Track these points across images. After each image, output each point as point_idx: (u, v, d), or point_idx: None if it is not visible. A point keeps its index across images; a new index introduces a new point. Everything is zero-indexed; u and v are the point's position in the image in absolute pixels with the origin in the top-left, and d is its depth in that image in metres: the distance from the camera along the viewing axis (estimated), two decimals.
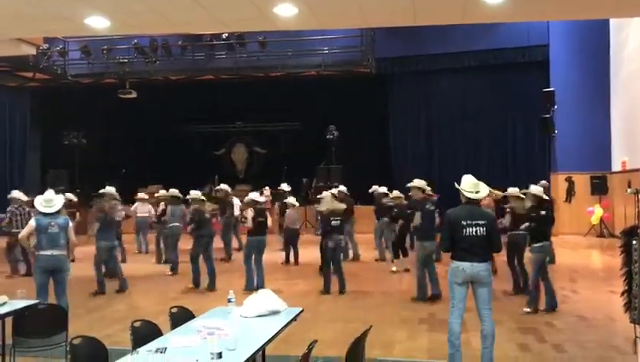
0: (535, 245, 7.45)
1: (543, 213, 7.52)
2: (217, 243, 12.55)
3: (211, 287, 9.28)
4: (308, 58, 17.94)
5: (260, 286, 8.36)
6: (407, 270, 10.53)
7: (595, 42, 16.35)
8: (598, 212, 15.72)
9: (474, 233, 5.14)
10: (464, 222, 5.16)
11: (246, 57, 18.16)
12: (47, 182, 19.27)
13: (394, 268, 10.73)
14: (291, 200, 12.17)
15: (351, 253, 12.09)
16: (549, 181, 16.83)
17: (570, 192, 16.82)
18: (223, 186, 13.27)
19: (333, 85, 18.52)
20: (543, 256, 7.50)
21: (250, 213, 9.01)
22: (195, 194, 9.88)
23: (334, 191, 11.65)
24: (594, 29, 15.97)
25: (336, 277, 8.94)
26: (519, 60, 17.79)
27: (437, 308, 7.74)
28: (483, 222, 5.18)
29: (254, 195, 9.40)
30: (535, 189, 7.71)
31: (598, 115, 16.45)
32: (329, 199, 9.27)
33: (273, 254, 12.27)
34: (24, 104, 21.35)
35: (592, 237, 15.70)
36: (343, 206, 9.45)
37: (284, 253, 12.13)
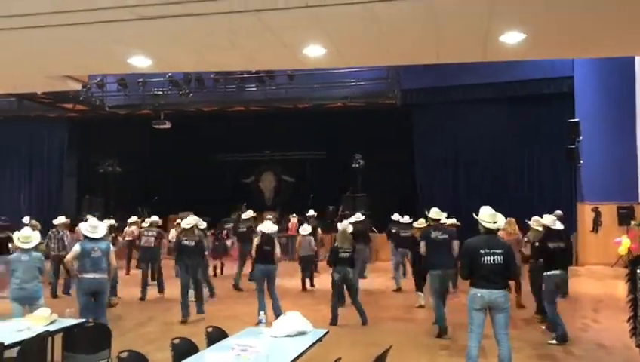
0: (545, 274, 7.61)
1: (551, 245, 7.63)
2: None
3: (199, 311, 9.35)
4: (334, 90, 18.44)
5: (277, 316, 7.96)
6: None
7: (620, 72, 16.45)
8: (625, 242, 15.65)
9: (492, 261, 5.44)
10: (482, 251, 5.47)
11: (275, 89, 18.75)
12: (83, 207, 20.05)
13: (421, 303, 10.19)
14: (304, 228, 12.39)
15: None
16: (575, 211, 16.96)
17: (596, 223, 16.79)
18: (249, 214, 13.53)
19: (359, 116, 18.96)
20: (552, 285, 7.54)
21: (255, 241, 9.07)
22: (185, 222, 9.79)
23: (352, 219, 11.92)
24: (619, 59, 16.09)
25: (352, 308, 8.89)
26: (544, 91, 17.97)
27: (459, 334, 7.97)
28: (500, 251, 5.48)
29: (265, 225, 9.21)
30: (546, 219, 7.91)
31: (624, 145, 16.47)
32: (341, 232, 9.24)
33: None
34: (63, 132, 22.28)
35: (620, 267, 15.64)
36: (349, 241, 9.17)
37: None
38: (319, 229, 14.03)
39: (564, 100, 17.58)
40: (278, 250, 9.00)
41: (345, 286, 8.98)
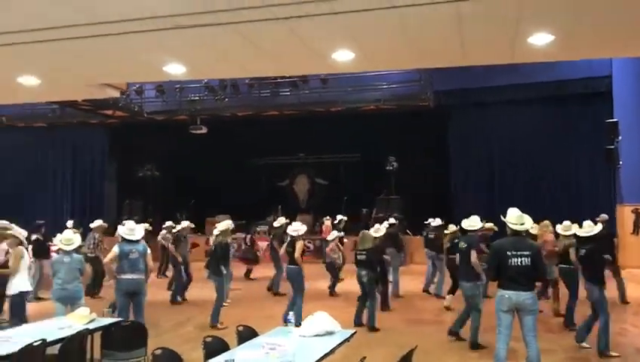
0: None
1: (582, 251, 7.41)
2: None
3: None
4: (367, 93, 18.52)
5: (297, 319, 7.54)
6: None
7: None
8: None
9: (519, 263, 5.46)
10: (509, 253, 5.49)
11: (308, 93, 18.92)
12: (123, 211, 20.62)
13: (446, 304, 10.31)
14: (330, 235, 12.47)
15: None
16: (614, 213, 16.59)
17: (637, 225, 16.41)
18: (281, 221, 13.67)
19: (392, 118, 18.94)
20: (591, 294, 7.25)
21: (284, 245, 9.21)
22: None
23: (385, 223, 11.91)
24: None
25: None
26: (581, 91, 17.66)
27: (489, 336, 7.91)
28: (528, 253, 5.49)
29: (291, 227, 9.25)
30: (585, 225, 7.61)
31: None
32: (361, 233, 9.24)
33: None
34: (103, 138, 22.96)
35: None
36: (370, 242, 9.13)
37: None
38: (344, 239, 14.01)
39: (602, 100, 17.25)
40: (297, 252, 8.80)
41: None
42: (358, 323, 8.69)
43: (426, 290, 12.09)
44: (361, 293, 8.92)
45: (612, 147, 16.26)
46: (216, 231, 9.65)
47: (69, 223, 13.98)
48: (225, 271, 9.58)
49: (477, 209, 16.45)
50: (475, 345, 7.38)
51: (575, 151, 18.32)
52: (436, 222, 12.41)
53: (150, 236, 13.83)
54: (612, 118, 16.43)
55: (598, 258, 7.26)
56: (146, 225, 12.55)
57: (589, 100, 17.74)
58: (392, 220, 12.90)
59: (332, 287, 12.33)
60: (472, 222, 8.36)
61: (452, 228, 10.65)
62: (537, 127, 18.49)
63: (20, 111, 20.22)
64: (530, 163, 18.76)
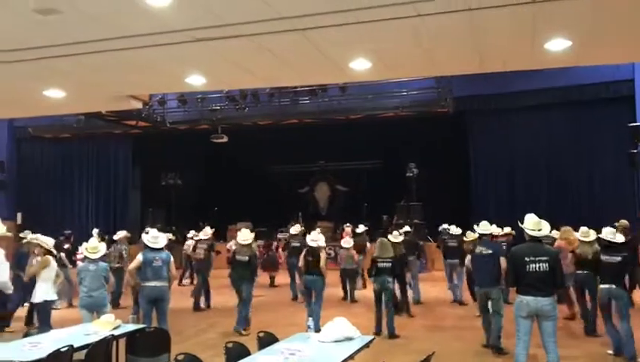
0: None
1: (604, 257, 7.32)
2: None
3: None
4: (386, 100, 18.58)
5: (316, 326, 7.85)
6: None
7: None
8: None
9: (537, 268, 5.47)
10: (527, 259, 5.51)
11: (327, 101, 19.05)
12: (147, 219, 20.93)
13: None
14: (345, 241, 12.51)
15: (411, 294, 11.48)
16: (637, 218, 16.35)
17: None
18: (297, 229, 13.77)
19: (412, 125, 18.95)
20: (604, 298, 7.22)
21: (303, 254, 9.23)
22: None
23: (402, 230, 11.93)
24: None
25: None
26: (603, 96, 17.48)
27: (512, 342, 7.90)
28: (546, 258, 5.50)
29: (310, 236, 9.34)
30: (604, 232, 7.54)
31: None
32: (380, 242, 9.20)
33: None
34: (127, 148, 23.34)
35: None
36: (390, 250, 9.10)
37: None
38: (368, 244, 14.07)
39: (624, 104, 17.04)
40: (322, 261, 8.92)
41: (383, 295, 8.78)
42: (379, 331, 8.68)
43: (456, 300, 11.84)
44: (377, 301, 8.83)
45: (635, 151, 16.04)
46: (243, 241, 9.54)
47: (95, 232, 14.28)
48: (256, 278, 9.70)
49: (498, 215, 16.51)
50: (498, 349, 7.37)
51: (597, 155, 18.10)
52: (453, 229, 12.38)
53: (173, 244, 14.11)
54: (635, 122, 16.22)
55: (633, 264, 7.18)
56: (169, 235, 12.74)
57: (611, 104, 17.53)
58: (407, 228, 12.94)
59: (351, 295, 12.35)
60: (485, 227, 8.43)
61: (471, 235, 10.59)
62: (558, 131, 18.35)
63: (46, 122, 20.66)
64: (552, 168, 18.59)
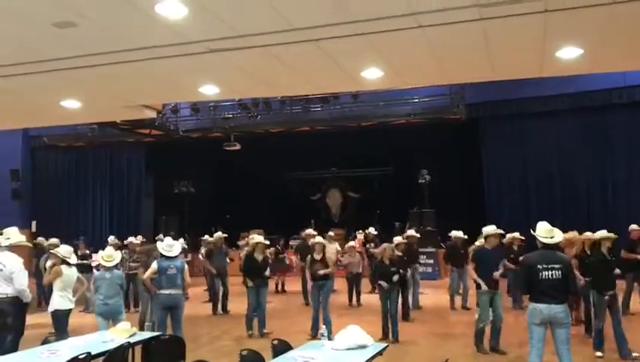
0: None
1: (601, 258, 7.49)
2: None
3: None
4: (398, 107, 18.59)
5: (328, 331, 8.12)
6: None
7: None
8: None
9: (550, 276, 5.48)
10: (540, 266, 5.52)
11: (339, 109, 19.10)
12: (160, 227, 21.07)
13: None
14: (351, 244, 12.97)
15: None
16: None
17: None
18: (309, 231, 13.93)
19: (424, 131, 18.94)
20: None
21: (309, 258, 9.41)
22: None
23: (404, 234, 12.12)
24: None
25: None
26: (615, 101, 17.41)
27: (525, 350, 7.88)
28: (559, 266, 5.51)
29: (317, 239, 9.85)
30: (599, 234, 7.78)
31: None
32: (387, 247, 9.31)
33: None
34: (140, 156, 23.52)
35: None
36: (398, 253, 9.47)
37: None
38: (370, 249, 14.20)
39: (635, 109, 16.96)
40: (331, 266, 9.19)
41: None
42: (385, 336, 8.72)
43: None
44: (383, 306, 8.90)
45: None
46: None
47: (111, 239, 14.44)
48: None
49: (512, 221, 16.44)
50: (498, 350, 7.68)
51: (611, 161, 17.96)
52: (460, 235, 12.44)
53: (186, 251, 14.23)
54: None
55: None
56: (183, 243, 12.83)
57: (624, 109, 17.43)
58: (411, 232, 13.02)
59: (357, 298, 12.56)
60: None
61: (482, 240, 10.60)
62: (571, 137, 18.25)
63: (61, 131, 20.90)
64: (565, 174, 18.46)
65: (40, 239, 13.90)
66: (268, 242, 9.93)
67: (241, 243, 14.35)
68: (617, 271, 7.75)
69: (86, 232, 20.70)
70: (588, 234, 8.62)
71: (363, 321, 8.63)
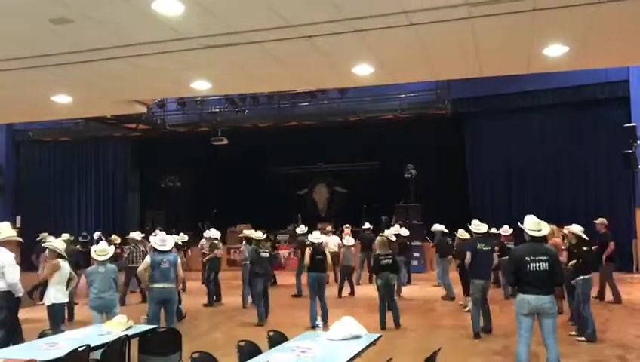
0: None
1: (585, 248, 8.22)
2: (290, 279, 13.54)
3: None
4: (385, 103, 18.73)
5: (324, 319, 8.62)
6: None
7: None
8: None
9: (537, 268, 5.65)
10: (528, 258, 5.69)
11: (327, 104, 19.24)
12: (146, 221, 21.05)
13: (460, 303, 11.21)
14: (347, 240, 13.36)
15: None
16: (634, 217, 16.60)
17: None
18: (303, 229, 14.20)
19: (410, 126, 19.13)
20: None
21: (308, 251, 9.66)
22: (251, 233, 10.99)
23: (392, 230, 12.56)
24: None
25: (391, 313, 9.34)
26: (598, 97, 17.69)
27: (512, 341, 8.10)
28: (546, 258, 5.68)
29: (313, 235, 10.06)
30: (574, 228, 8.48)
31: None
32: (380, 241, 9.80)
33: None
34: (126, 150, 23.46)
35: None
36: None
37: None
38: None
39: (619, 105, 17.27)
40: (328, 259, 9.72)
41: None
42: (383, 325, 9.08)
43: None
44: (381, 296, 9.29)
45: (630, 151, 16.25)
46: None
47: (96, 234, 14.46)
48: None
49: (496, 214, 16.71)
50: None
51: (593, 156, 18.27)
52: (441, 227, 13.02)
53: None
54: (630, 123, 16.44)
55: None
56: (177, 237, 12.83)
57: (607, 105, 17.74)
58: (397, 227, 13.40)
59: (351, 290, 12.91)
60: (479, 226, 9.13)
61: (462, 232, 10.99)
62: (555, 132, 18.53)
63: (46, 126, 20.77)
64: (548, 168, 18.75)
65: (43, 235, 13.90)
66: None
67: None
68: None
69: (71, 227, 20.60)
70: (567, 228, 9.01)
71: (355, 314, 8.83)
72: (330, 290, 12.68)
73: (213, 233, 12.95)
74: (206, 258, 12.41)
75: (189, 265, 15.17)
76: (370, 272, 9.57)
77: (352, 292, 12.98)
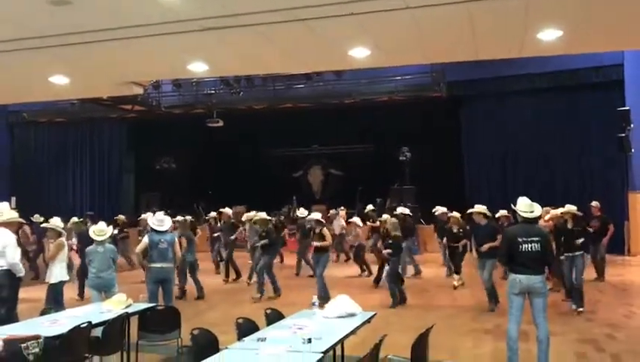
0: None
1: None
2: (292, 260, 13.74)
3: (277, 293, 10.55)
4: (380, 85, 18.76)
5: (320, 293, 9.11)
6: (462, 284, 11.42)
7: None
8: None
9: (529, 248, 5.78)
10: (520, 239, 5.81)
11: (322, 86, 19.23)
12: (141, 203, 21.13)
13: (455, 284, 11.41)
14: (355, 220, 13.49)
15: (411, 270, 12.82)
16: (626, 201, 16.79)
17: None
18: (302, 211, 14.41)
19: (405, 109, 19.19)
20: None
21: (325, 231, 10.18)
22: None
23: (398, 211, 12.55)
24: None
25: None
26: (593, 80, 17.77)
27: (503, 320, 8.26)
28: (538, 239, 5.81)
29: (313, 216, 10.58)
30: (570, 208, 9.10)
31: None
32: (392, 222, 10.17)
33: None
34: (121, 132, 23.45)
35: None
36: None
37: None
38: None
39: (614, 88, 17.36)
40: (328, 239, 10.13)
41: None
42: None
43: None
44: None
45: (624, 135, 16.38)
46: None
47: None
48: None
49: (491, 197, 16.84)
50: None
51: (587, 139, 18.41)
52: (443, 209, 13.21)
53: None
54: (624, 106, 16.55)
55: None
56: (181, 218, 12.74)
57: (601, 88, 17.83)
58: (402, 209, 13.44)
59: (367, 268, 13.17)
60: (479, 208, 9.52)
61: (456, 214, 11.28)
62: (550, 115, 18.61)
63: (41, 107, 20.70)
64: (543, 151, 18.85)
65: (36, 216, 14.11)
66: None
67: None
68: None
69: (66, 208, 20.65)
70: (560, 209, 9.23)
71: (348, 292, 8.98)
72: (332, 271, 12.99)
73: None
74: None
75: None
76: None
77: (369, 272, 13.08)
